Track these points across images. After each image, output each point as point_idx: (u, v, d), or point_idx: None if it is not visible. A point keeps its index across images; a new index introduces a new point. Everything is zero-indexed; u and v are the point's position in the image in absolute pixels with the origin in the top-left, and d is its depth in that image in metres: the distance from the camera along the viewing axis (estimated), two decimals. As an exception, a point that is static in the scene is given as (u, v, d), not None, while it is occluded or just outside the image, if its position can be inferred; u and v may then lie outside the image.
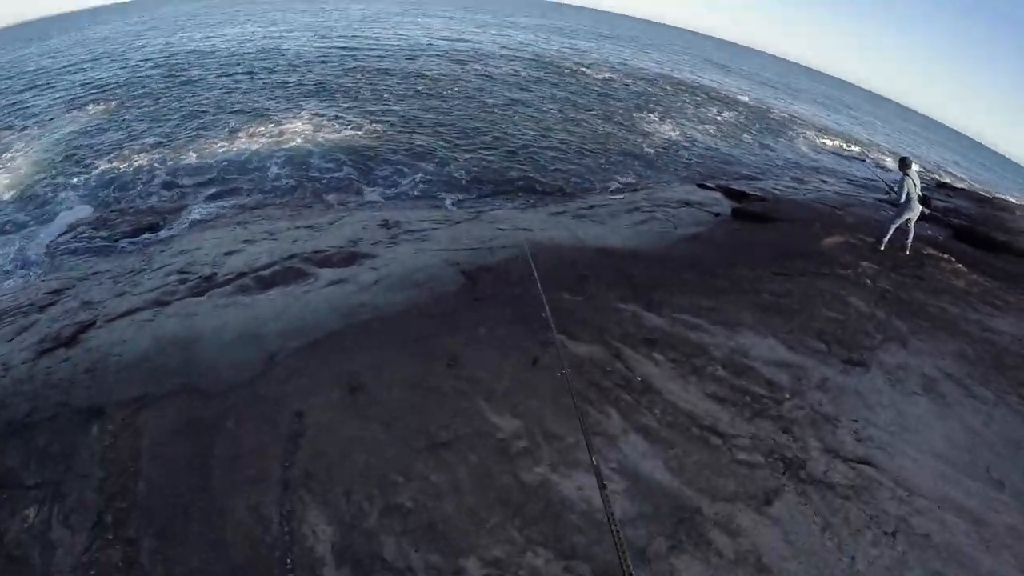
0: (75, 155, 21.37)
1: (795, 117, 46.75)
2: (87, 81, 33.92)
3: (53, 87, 33.26)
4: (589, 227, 14.08)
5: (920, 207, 12.10)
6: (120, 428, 6.35)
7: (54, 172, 19.88)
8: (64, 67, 39.91)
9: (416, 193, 18.50)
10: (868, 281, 10.85)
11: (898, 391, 7.50)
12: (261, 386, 6.91)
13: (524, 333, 7.94)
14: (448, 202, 17.87)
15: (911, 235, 12.72)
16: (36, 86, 34.13)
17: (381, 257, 11.07)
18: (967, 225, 16.62)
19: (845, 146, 39.98)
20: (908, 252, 12.66)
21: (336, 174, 19.47)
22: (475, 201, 18.09)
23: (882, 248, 12.71)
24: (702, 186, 19.95)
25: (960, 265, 12.71)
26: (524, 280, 9.61)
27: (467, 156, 22.16)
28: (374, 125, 24.70)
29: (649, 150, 26.79)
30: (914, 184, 11.91)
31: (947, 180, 34.90)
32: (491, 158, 22.28)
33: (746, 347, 8.02)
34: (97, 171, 19.71)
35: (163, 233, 14.73)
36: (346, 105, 27.71)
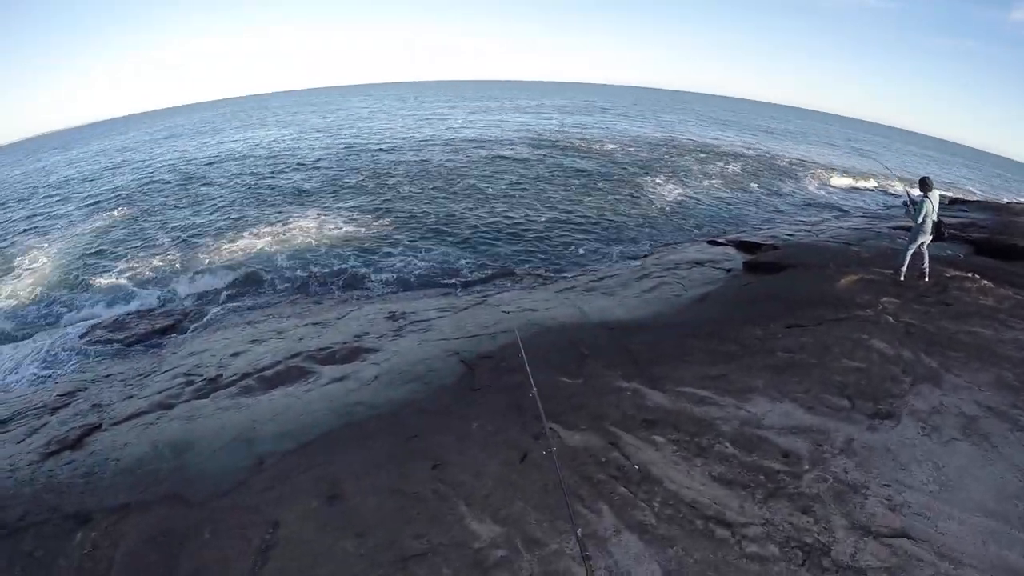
0: (95, 259, 22.24)
1: (802, 160, 46.14)
2: (108, 188, 35.60)
3: (76, 194, 35.20)
4: (596, 300, 13.60)
5: (932, 232, 11.47)
6: (102, 536, 6.20)
7: (75, 276, 20.72)
8: (86, 176, 42.43)
9: (424, 282, 18.16)
10: (890, 318, 10.08)
11: (935, 440, 6.68)
12: (244, 493, 6.65)
13: (516, 425, 7.42)
14: (456, 289, 17.44)
15: (926, 259, 12.02)
16: (59, 193, 36.35)
17: (384, 351, 10.84)
18: (985, 237, 15.89)
19: (854, 181, 39.09)
20: (927, 278, 11.94)
21: (344, 269, 19.39)
22: (483, 285, 17.60)
23: (902, 279, 12.00)
24: (713, 242, 19.41)
25: (986, 282, 11.87)
26: (522, 366, 9.25)
27: (475, 241, 21.94)
28: (381, 219, 24.66)
29: (658, 213, 26.42)
30: (932, 207, 11.28)
31: (959, 195, 33.89)
32: (499, 240, 22.03)
33: (758, 416, 7.24)
34: (115, 274, 20.35)
35: (176, 335, 14.81)
36: (352, 200, 27.90)
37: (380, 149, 42.21)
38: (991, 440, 6.67)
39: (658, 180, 32.98)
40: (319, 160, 38.47)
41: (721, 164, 39.97)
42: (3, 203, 36.19)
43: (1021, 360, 8.52)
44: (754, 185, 33.91)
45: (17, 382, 13.11)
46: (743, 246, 18.02)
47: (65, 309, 17.96)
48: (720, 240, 19.58)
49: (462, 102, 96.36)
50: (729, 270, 15.23)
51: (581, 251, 21.03)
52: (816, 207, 29.10)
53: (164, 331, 15.05)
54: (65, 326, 16.44)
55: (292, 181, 32.58)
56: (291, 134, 56.40)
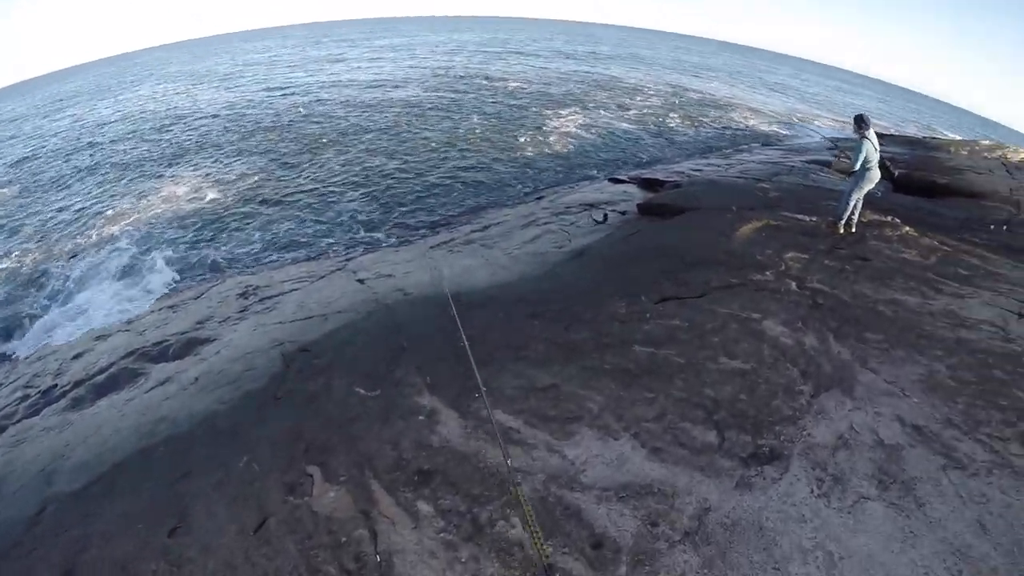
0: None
1: (726, 98, 43.03)
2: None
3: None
4: (463, 259, 11.56)
5: (879, 175, 9.42)
6: None
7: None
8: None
9: (294, 246, 16.16)
10: (793, 284, 7.84)
11: (834, 503, 4.33)
12: (10, 559, 5.20)
13: (281, 465, 5.34)
14: (322, 252, 15.38)
15: (858, 209, 9.93)
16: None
17: (219, 340, 9.31)
18: (903, 172, 14.16)
19: (778, 115, 36.54)
20: (854, 229, 9.93)
21: (212, 237, 17.45)
22: (353, 246, 15.53)
23: (841, 231, 9.88)
24: (614, 180, 17.46)
25: (908, 228, 9.94)
26: (331, 366, 7.19)
27: (355, 194, 19.48)
28: (258, 176, 22.15)
29: (562, 150, 24.05)
30: (874, 147, 9.20)
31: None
32: (386, 192, 19.53)
33: (577, 466, 4.75)
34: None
35: (36, 334, 13.55)
36: (230, 159, 24.97)
37: (271, 96, 38.75)
38: (916, 494, 4.39)
39: (563, 113, 30.47)
40: (205, 116, 34.72)
41: (639, 99, 37.23)
42: None
43: (954, 342, 6.42)
44: (674, 115, 31.71)
45: None
46: (646, 184, 16.16)
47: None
48: (622, 177, 17.71)
49: (364, 41, 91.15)
50: (624, 212, 13.26)
51: (472, 196, 18.69)
52: (734, 142, 26.97)
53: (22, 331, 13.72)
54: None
55: (174, 141, 29.25)
56: (182, 87, 51.87)
